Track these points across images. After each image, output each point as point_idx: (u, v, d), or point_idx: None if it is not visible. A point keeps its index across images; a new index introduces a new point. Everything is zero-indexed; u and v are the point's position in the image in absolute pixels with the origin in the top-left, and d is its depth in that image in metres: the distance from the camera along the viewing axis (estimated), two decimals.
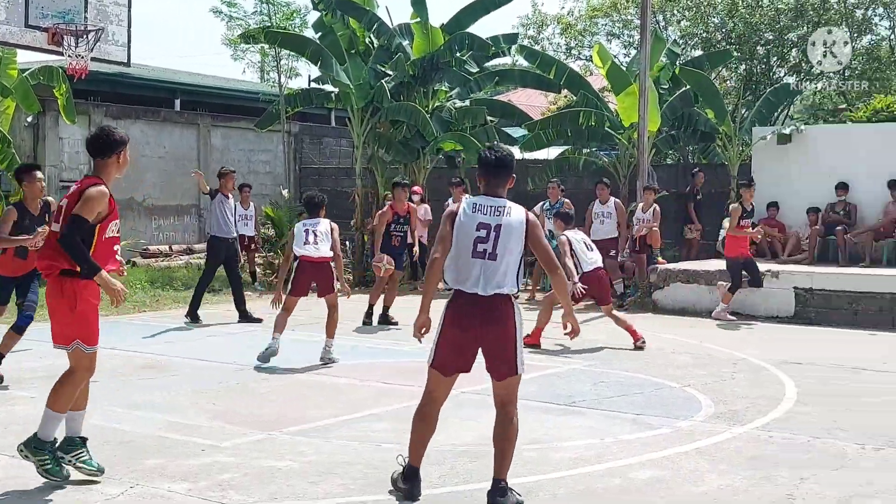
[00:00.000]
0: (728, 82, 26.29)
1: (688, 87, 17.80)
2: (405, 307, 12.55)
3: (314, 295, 10.26)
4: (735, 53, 23.32)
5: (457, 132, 17.89)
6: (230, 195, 13.40)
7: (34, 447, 5.60)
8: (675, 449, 6.61)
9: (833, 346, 11.17)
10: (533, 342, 10.55)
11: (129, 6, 15.07)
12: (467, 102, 18.94)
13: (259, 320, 12.82)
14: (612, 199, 15.19)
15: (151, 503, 5.43)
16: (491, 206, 5.35)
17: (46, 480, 5.64)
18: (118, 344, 10.36)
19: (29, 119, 18.64)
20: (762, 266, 14.07)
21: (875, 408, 7.98)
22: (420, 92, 18.32)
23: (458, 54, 18.14)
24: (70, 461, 5.69)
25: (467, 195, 16.21)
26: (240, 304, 13.09)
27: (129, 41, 15.09)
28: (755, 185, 13.96)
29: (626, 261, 15.38)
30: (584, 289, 10.58)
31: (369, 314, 12.60)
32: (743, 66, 25.29)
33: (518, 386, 5.40)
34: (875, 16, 25.79)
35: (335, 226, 10.13)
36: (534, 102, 29.74)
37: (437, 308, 5.40)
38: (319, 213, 10.10)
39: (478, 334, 5.27)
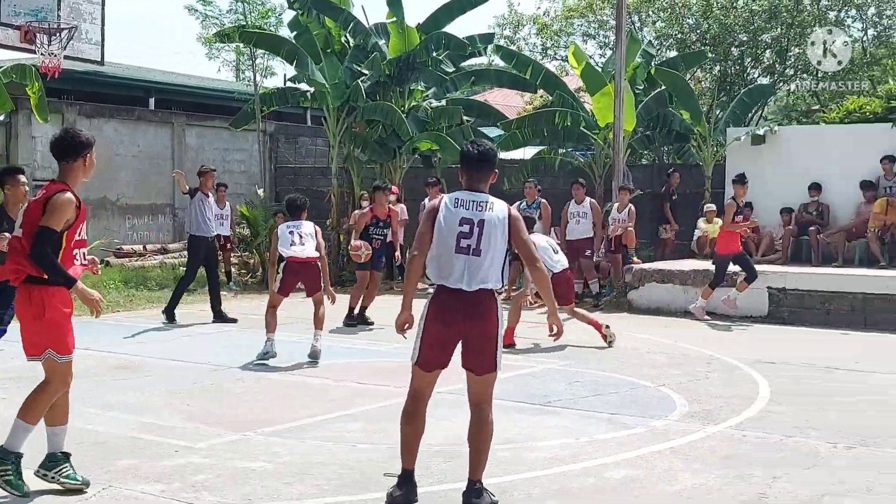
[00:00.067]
0: (703, 83, 26.44)
1: (663, 87, 17.89)
2: (382, 307, 12.55)
3: (292, 295, 10.27)
4: (710, 54, 23.45)
5: (433, 132, 17.89)
6: (210, 194, 13.34)
7: None
8: (649, 448, 6.63)
9: (806, 346, 11.26)
10: (507, 342, 10.56)
11: (103, 4, 15.01)
12: (443, 102, 18.95)
13: (234, 320, 12.78)
14: (588, 199, 15.23)
15: None
16: (473, 201, 5.30)
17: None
18: (91, 344, 10.28)
19: (1, 118, 18.47)
20: (735, 266, 14.14)
21: (847, 407, 8.05)
22: (396, 91, 18.31)
23: (434, 54, 18.14)
24: (54, 478, 5.51)
25: (443, 195, 16.23)
26: (216, 304, 13.03)
27: (102, 39, 15.03)
28: (748, 182, 13.71)
29: (602, 261, 15.44)
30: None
31: (351, 316, 12.56)
32: (717, 67, 25.44)
33: (494, 384, 5.39)
34: (848, 17, 26.02)
35: (318, 228, 10.27)
36: (510, 102, 29.78)
37: (416, 307, 5.39)
38: (301, 216, 10.23)
39: (461, 329, 5.23)
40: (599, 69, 19.10)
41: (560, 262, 11.12)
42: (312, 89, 18.42)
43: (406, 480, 5.35)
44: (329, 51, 18.57)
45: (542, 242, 11.18)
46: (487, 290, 5.25)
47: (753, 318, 13.32)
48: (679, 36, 25.66)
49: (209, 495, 5.53)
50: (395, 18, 18.17)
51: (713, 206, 16.48)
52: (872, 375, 9.49)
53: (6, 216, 8.29)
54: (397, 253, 13.63)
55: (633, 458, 6.37)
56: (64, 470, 5.55)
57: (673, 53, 24.35)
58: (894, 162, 15.45)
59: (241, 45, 20.44)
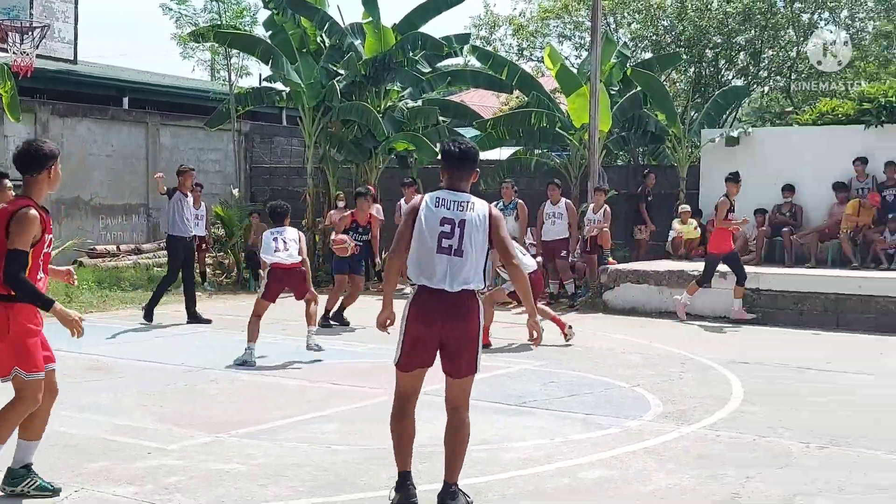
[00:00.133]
0: (677, 85, 26.58)
1: (638, 88, 17.96)
2: (359, 307, 12.55)
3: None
4: (684, 56, 23.56)
5: (409, 132, 17.87)
6: (189, 193, 13.27)
7: None
8: (623, 448, 6.66)
9: (779, 346, 11.34)
10: (483, 342, 10.53)
11: (76, 3, 14.94)
12: (419, 102, 18.94)
13: (208, 321, 12.72)
14: (564, 199, 15.25)
15: None
16: (454, 201, 5.25)
17: None
18: (64, 345, 10.15)
19: None
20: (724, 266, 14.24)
21: (819, 407, 8.11)
22: (372, 92, 18.28)
23: (410, 54, 18.12)
24: (23, 491, 5.38)
25: (419, 195, 16.21)
26: (190, 305, 12.95)
27: (75, 38, 14.96)
28: (741, 181, 13.59)
29: (577, 261, 15.48)
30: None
31: (326, 318, 12.52)
32: (692, 69, 25.57)
33: (472, 386, 5.36)
34: (821, 20, 26.22)
35: (301, 234, 10.36)
36: (486, 103, 29.81)
37: (398, 308, 5.38)
38: (284, 222, 10.32)
39: (442, 329, 5.17)
40: (575, 70, 19.16)
41: (528, 265, 11.14)
42: (288, 89, 18.36)
43: (402, 483, 5.28)
44: (304, 50, 18.51)
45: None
46: (469, 291, 5.21)
47: (728, 319, 13.38)
48: (654, 38, 25.78)
49: (182, 497, 5.50)
50: (370, 18, 18.15)
51: (688, 207, 16.57)
52: (843, 375, 9.57)
53: None
54: (377, 259, 13.62)
55: (607, 459, 6.39)
56: (32, 482, 5.42)
57: (648, 55, 24.47)
58: (867, 163, 15.59)
59: (216, 44, 20.34)
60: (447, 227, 5.19)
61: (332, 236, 11.90)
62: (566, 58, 23.49)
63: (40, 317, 5.36)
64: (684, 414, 7.72)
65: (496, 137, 18.30)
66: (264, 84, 20.51)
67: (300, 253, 10.03)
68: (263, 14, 19.23)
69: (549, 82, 21.70)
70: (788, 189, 16.03)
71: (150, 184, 20.58)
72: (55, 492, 5.46)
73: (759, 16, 24.81)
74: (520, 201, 14.98)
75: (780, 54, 26.13)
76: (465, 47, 19.70)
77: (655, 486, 5.85)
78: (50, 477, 5.60)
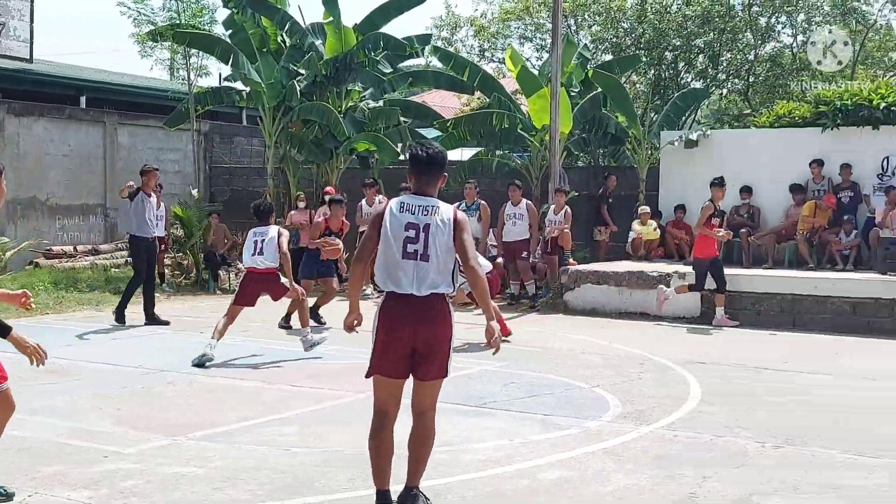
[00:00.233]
0: (637, 87, 26.74)
1: (598, 90, 18.06)
2: (323, 309, 12.47)
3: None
4: (644, 58, 23.73)
5: (370, 132, 17.83)
6: (152, 194, 13.13)
7: None
8: (583, 449, 6.69)
9: (736, 346, 11.45)
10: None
11: (32, 1, 14.67)
12: (381, 103, 18.91)
13: (166, 323, 12.59)
14: (524, 200, 15.27)
15: None
16: (419, 206, 5.20)
17: None
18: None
19: None
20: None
21: (775, 407, 8.20)
22: (333, 92, 18.22)
23: (371, 54, 18.06)
24: None
25: (380, 196, 16.21)
26: (148, 306, 12.80)
27: (31, 37, 14.74)
28: (726, 185, 13.59)
29: (538, 262, 15.51)
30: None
31: (287, 319, 12.43)
32: (652, 71, 25.75)
33: (439, 390, 5.31)
34: (778, 24, 26.53)
35: (284, 231, 10.46)
36: (447, 104, 29.82)
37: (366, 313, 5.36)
38: (269, 220, 10.40)
39: (412, 334, 5.09)
40: (536, 72, 19.23)
41: (484, 265, 11.16)
42: (248, 89, 18.25)
43: (381, 500, 5.18)
44: (265, 50, 18.42)
45: None
46: (439, 295, 5.16)
47: (686, 319, 13.50)
48: (614, 40, 25.93)
49: (138, 501, 5.44)
50: (331, 18, 18.10)
51: (647, 209, 16.68)
52: (800, 375, 9.69)
53: None
54: (342, 262, 13.59)
55: (566, 459, 6.42)
56: None
57: (608, 57, 24.58)
58: (823, 165, 15.78)
59: (175, 44, 20.15)
60: (412, 233, 5.15)
61: (323, 241, 11.91)
62: (527, 59, 23.60)
63: None
64: (643, 414, 7.77)
65: (457, 138, 18.31)
66: (224, 84, 20.39)
67: (279, 249, 10.06)
68: (223, 13, 19.11)
69: (510, 83, 21.74)
70: (746, 191, 16.19)
71: (108, 184, 20.38)
72: (8, 496, 5.39)
73: (717, 19, 25.05)
74: (482, 202, 14.97)
75: (739, 57, 26.39)
76: (427, 48, 19.72)
77: (614, 486, 5.89)
78: (3, 481, 5.53)
